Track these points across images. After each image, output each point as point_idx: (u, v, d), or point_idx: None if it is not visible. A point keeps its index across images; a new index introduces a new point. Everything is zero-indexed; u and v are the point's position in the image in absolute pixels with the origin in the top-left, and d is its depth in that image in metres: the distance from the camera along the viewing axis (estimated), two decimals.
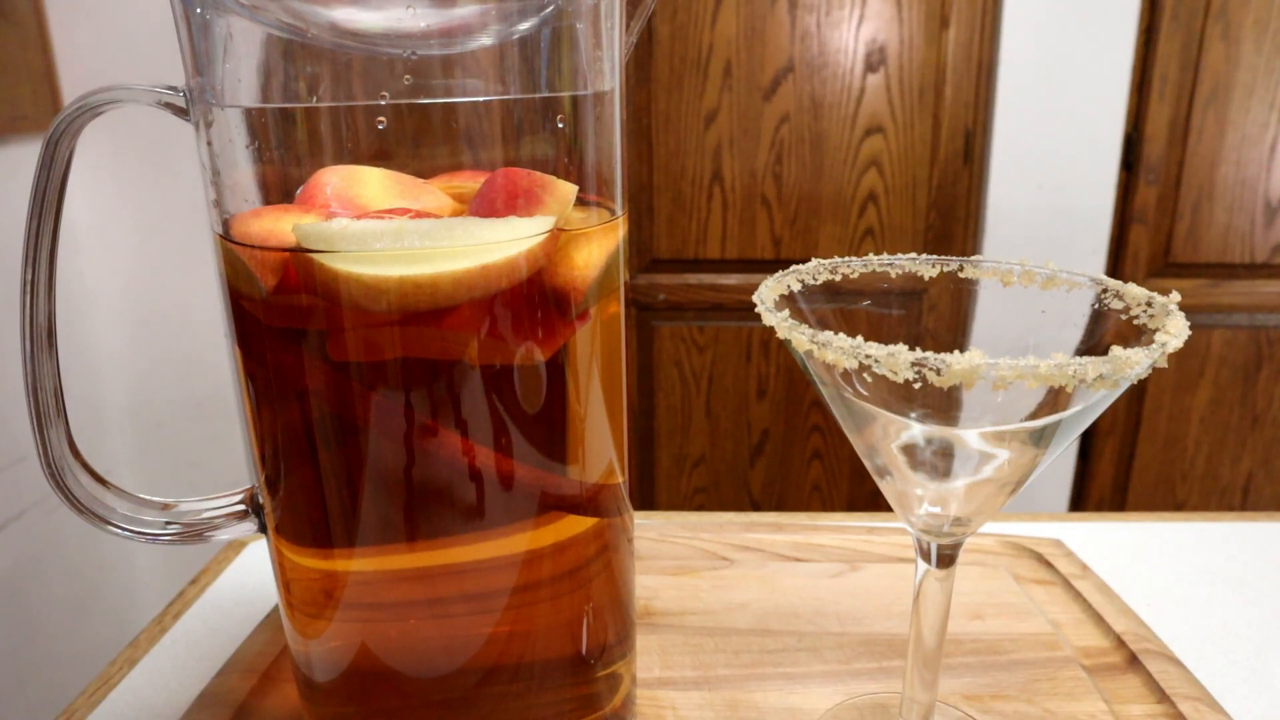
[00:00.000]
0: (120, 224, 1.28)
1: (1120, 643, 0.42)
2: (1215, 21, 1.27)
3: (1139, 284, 0.29)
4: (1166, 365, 0.25)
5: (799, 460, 1.50)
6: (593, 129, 0.29)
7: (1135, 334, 0.28)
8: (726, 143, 1.37)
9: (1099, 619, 0.44)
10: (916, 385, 0.24)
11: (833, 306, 0.33)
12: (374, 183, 0.28)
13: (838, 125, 1.35)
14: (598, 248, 0.29)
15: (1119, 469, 1.47)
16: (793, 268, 0.32)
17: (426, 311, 0.26)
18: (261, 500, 0.32)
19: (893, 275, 0.33)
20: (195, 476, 1.39)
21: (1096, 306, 0.30)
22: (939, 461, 0.28)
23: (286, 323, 0.28)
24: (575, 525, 0.31)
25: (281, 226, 0.27)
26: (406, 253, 0.25)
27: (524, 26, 0.27)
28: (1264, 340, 1.39)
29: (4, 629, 1.11)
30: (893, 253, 0.34)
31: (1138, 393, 1.43)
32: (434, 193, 0.29)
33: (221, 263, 0.29)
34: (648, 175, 1.39)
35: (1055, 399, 0.25)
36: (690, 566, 0.50)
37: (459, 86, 0.27)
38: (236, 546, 0.55)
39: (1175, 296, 0.28)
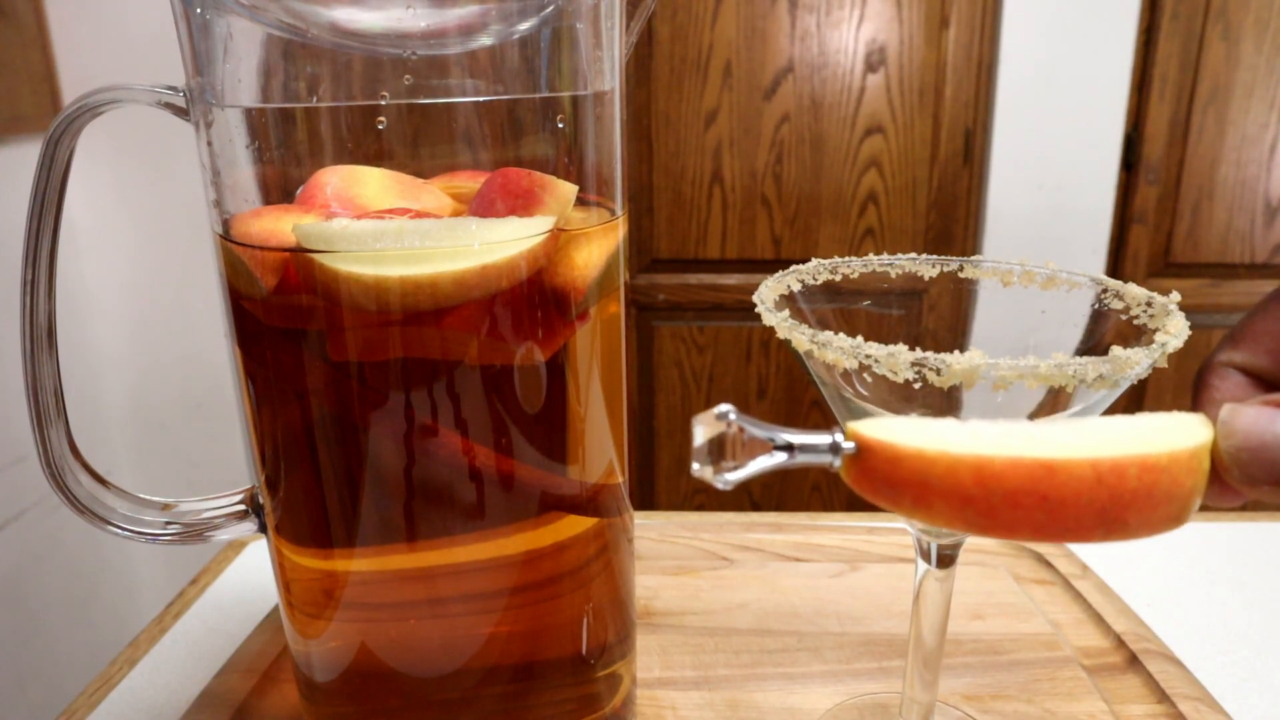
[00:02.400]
0: (120, 224, 1.28)
1: (1120, 643, 0.42)
2: (1215, 21, 1.27)
3: (1139, 284, 0.29)
4: (1166, 365, 0.25)
5: None
6: (593, 129, 0.29)
7: (1135, 334, 0.28)
8: (726, 143, 1.37)
9: (1099, 619, 0.44)
10: (916, 385, 0.24)
11: (833, 306, 0.33)
12: (374, 183, 0.28)
13: (838, 125, 1.35)
14: (598, 248, 0.29)
15: None
16: (793, 268, 0.32)
17: (427, 311, 0.26)
18: (261, 500, 0.32)
19: (893, 275, 0.33)
20: (195, 476, 1.39)
21: (1096, 306, 0.30)
22: None
23: (286, 323, 0.28)
24: (575, 525, 0.31)
25: (281, 226, 0.27)
26: (407, 253, 0.25)
27: (524, 26, 0.27)
28: None
29: (4, 629, 1.11)
30: (893, 253, 0.34)
31: (1137, 393, 1.43)
32: (434, 193, 0.29)
33: (221, 263, 0.29)
34: (648, 175, 1.39)
35: (1055, 399, 0.25)
36: (690, 566, 0.50)
37: (459, 86, 0.27)
38: (236, 546, 0.55)
39: (1175, 296, 0.28)
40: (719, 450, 0.20)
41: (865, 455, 0.21)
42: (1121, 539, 0.20)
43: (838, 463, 0.21)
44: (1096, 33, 1.28)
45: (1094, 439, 0.19)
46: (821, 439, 0.21)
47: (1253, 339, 0.23)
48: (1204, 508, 0.21)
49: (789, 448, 0.21)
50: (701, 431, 0.20)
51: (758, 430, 0.20)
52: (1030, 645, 0.42)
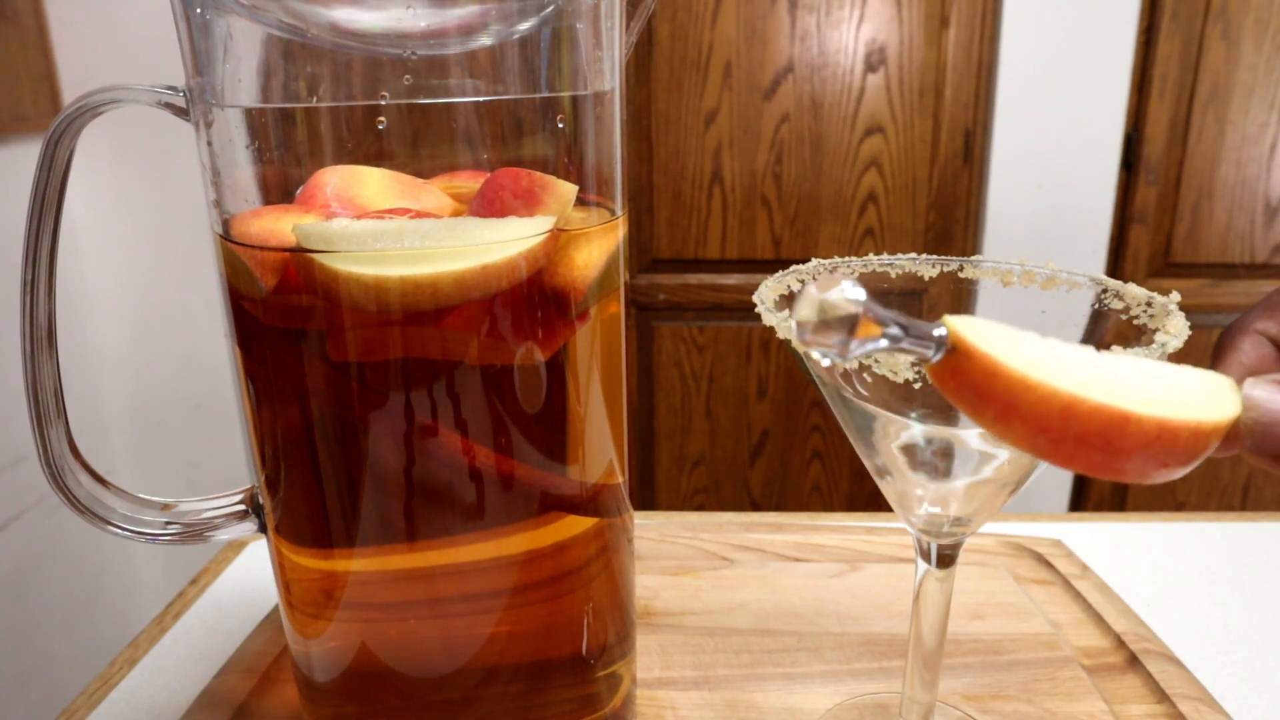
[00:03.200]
0: (120, 224, 1.28)
1: (1120, 643, 0.42)
2: (1215, 21, 1.27)
3: (1139, 284, 0.29)
4: None
5: (799, 460, 1.50)
6: (593, 129, 0.29)
7: (1135, 334, 0.28)
8: (726, 143, 1.37)
9: (1099, 619, 0.44)
10: (916, 385, 0.24)
11: None
12: (374, 183, 0.28)
13: (838, 125, 1.35)
14: (598, 248, 0.29)
15: None
16: (793, 268, 0.32)
17: (427, 311, 0.26)
18: (261, 500, 0.32)
19: (893, 275, 0.33)
20: (195, 476, 1.39)
21: (1096, 306, 0.30)
22: (939, 461, 0.28)
23: (286, 323, 0.28)
24: (575, 525, 0.31)
25: (281, 226, 0.27)
26: (407, 253, 0.25)
27: (524, 26, 0.27)
28: None
29: (4, 629, 1.11)
30: (893, 253, 0.34)
31: None
32: (434, 193, 0.29)
33: (221, 263, 0.29)
34: (648, 175, 1.39)
35: None
36: (690, 566, 0.50)
37: (459, 86, 0.27)
38: (236, 546, 0.55)
39: (1175, 296, 0.28)
40: (834, 327, 0.19)
41: (962, 359, 0.20)
42: (1137, 482, 0.21)
43: (937, 358, 0.21)
44: (1096, 33, 1.28)
45: (1161, 392, 0.20)
46: (933, 330, 0.20)
47: None
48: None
49: (899, 336, 0.20)
50: (818, 305, 0.19)
51: (874, 312, 0.19)
52: (1030, 645, 0.42)
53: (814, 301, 0.19)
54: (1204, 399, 0.21)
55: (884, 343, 0.20)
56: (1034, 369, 0.20)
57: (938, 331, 0.20)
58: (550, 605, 0.32)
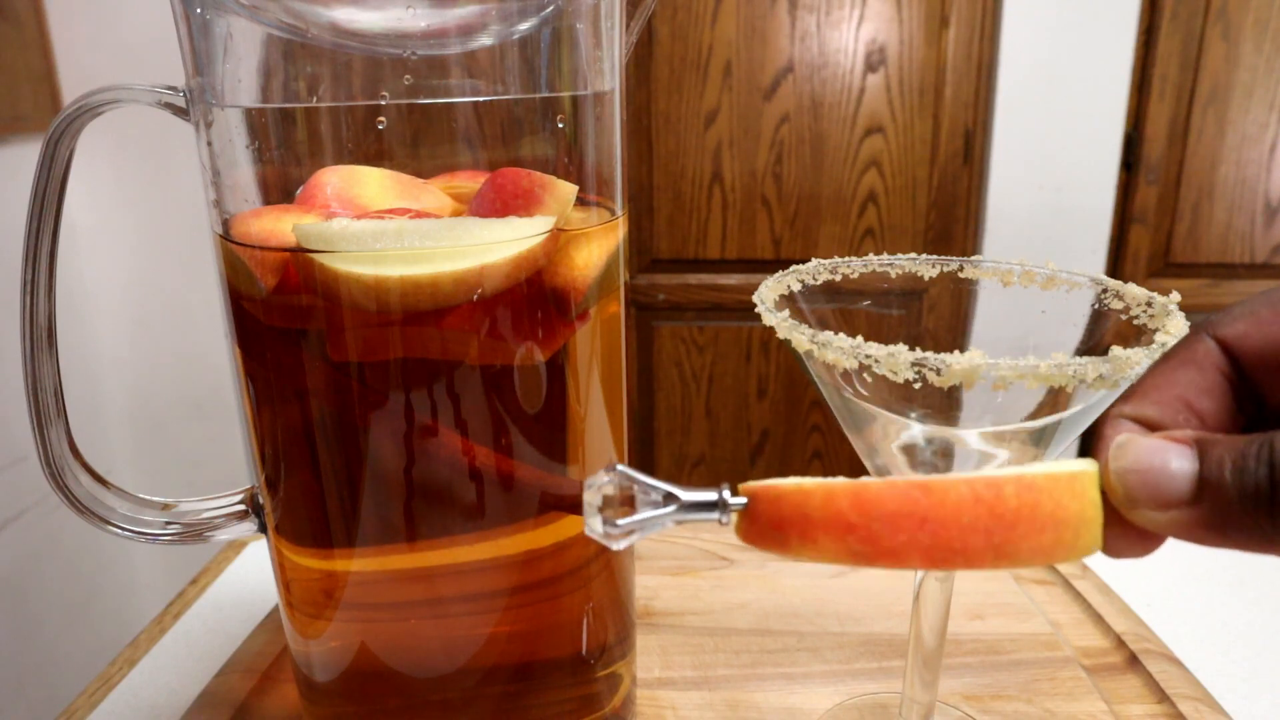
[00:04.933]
0: (120, 224, 1.28)
1: (1120, 643, 0.42)
2: (1215, 21, 1.27)
3: (1139, 284, 0.29)
4: None
5: (799, 460, 1.50)
6: (593, 129, 0.29)
7: (1135, 334, 0.28)
8: (726, 143, 1.37)
9: (1099, 619, 0.44)
10: (916, 385, 0.24)
11: (833, 306, 0.33)
12: (374, 183, 0.28)
13: (838, 125, 1.35)
14: (598, 248, 0.29)
15: None
16: (793, 268, 0.32)
17: (427, 311, 0.26)
18: (261, 500, 0.32)
19: (893, 275, 0.33)
20: (195, 476, 1.39)
21: (1096, 306, 0.30)
22: (939, 461, 0.28)
23: (286, 323, 0.28)
24: (575, 525, 0.31)
25: (281, 226, 0.27)
26: (407, 253, 0.25)
27: (524, 26, 0.27)
28: None
29: (4, 629, 1.11)
30: (893, 253, 0.33)
31: None
32: (434, 193, 0.29)
33: (221, 263, 0.29)
34: (648, 175, 1.39)
35: (1055, 399, 0.25)
36: (690, 566, 0.50)
37: (459, 86, 0.27)
38: (236, 546, 0.55)
39: (1175, 296, 0.28)
40: (612, 509, 0.20)
41: (752, 504, 0.21)
42: (1016, 565, 0.20)
43: (725, 519, 0.21)
44: (1096, 33, 1.28)
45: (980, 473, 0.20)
46: (708, 496, 0.21)
47: (1141, 393, 0.24)
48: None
49: (678, 507, 0.21)
50: (593, 492, 0.20)
51: (644, 490, 0.21)
52: (1030, 645, 0.42)
53: (590, 495, 0.20)
54: (1039, 466, 0.20)
55: (667, 516, 0.21)
56: (813, 481, 0.20)
57: (716, 495, 0.21)
58: (550, 605, 0.32)
